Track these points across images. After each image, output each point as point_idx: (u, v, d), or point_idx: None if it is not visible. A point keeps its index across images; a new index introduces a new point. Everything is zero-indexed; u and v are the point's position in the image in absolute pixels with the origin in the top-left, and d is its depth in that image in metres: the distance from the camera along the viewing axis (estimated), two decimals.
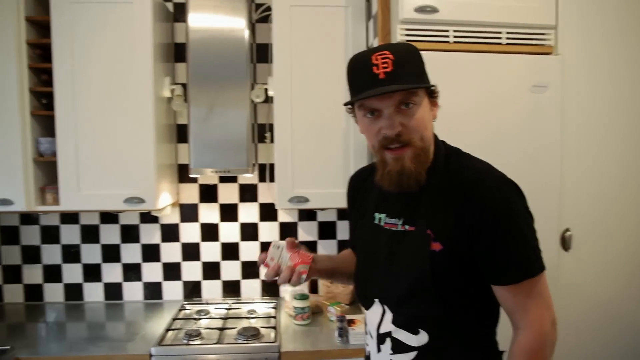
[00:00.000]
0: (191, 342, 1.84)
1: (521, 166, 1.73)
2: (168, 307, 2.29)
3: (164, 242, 2.38)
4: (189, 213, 2.38)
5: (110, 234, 2.36)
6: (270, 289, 2.42)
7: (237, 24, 2.03)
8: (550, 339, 1.03)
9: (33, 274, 2.35)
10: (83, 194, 1.99)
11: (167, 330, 1.96)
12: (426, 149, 1.05)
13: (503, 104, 1.75)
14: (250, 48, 2.12)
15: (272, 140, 2.22)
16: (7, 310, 2.28)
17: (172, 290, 2.39)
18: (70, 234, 2.35)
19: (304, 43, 2.01)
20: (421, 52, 1.06)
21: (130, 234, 2.36)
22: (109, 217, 2.35)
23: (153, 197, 1.99)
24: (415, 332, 1.06)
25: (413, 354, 1.07)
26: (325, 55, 2.02)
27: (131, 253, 2.37)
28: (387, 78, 0.98)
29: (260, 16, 2.33)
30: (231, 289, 2.41)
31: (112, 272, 2.37)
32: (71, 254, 2.35)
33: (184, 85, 2.20)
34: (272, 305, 2.29)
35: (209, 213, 2.38)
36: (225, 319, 2.11)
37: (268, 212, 2.40)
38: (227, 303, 2.31)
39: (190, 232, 2.38)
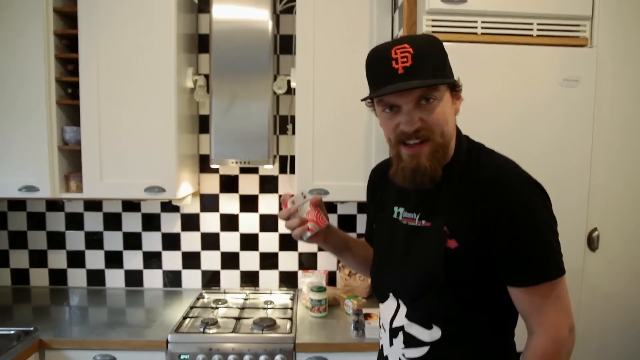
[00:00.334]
0: (207, 330, 1.85)
1: (549, 162, 1.68)
2: (187, 295, 2.32)
3: (184, 231, 2.40)
4: (209, 203, 2.39)
5: (131, 222, 2.39)
6: (289, 281, 2.42)
7: (260, 16, 2.01)
8: (567, 345, 0.99)
9: (58, 259, 2.41)
10: (105, 182, 2.01)
11: (185, 318, 1.98)
12: (445, 145, 1.02)
13: (532, 98, 1.69)
14: (274, 39, 2.10)
15: (293, 132, 2.21)
16: (32, 293, 2.34)
17: (191, 279, 2.42)
18: (93, 221, 2.39)
19: (327, 34, 1.98)
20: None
21: (151, 222, 2.39)
22: (130, 205, 2.38)
23: (173, 186, 2.01)
24: (429, 327, 1.05)
25: (425, 349, 1.05)
26: (350, 47, 1.99)
27: (152, 241, 2.40)
28: (406, 73, 0.95)
29: (284, 7, 2.31)
30: (249, 280, 2.42)
31: (133, 260, 2.41)
32: (94, 240, 2.40)
33: (206, 76, 2.20)
34: (289, 296, 2.29)
35: (229, 203, 2.39)
36: (242, 308, 2.12)
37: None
38: (244, 293, 2.32)
39: (210, 222, 2.40)
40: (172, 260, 2.41)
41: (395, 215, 1.15)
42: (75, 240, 2.40)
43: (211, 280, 2.42)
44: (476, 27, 1.70)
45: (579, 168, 1.72)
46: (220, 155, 2.04)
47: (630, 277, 1.81)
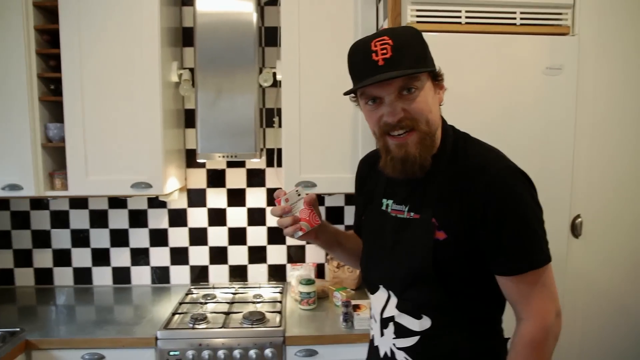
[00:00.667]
0: (196, 326, 1.84)
1: (533, 150, 1.70)
2: (175, 291, 2.30)
3: (171, 226, 2.38)
4: (196, 198, 2.38)
5: (118, 219, 2.37)
6: (277, 274, 2.42)
7: (245, 8, 2.00)
8: (554, 330, 1.00)
9: (43, 258, 2.38)
10: (91, 179, 1.99)
11: (174, 314, 1.97)
12: (432, 133, 1.02)
13: (515, 86, 1.70)
14: (259, 32, 2.09)
15: (280, 125, 2.20)
16: (18, 293, 2.31)
17: (180, 275, 2.40)
18: (79, 219, 2.36)
19: (312, 26, 1.98)
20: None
21: (138, 218, 2.37)
22: (117, 202, 2.36)
23: (160, 182, 1.99)
24: (418, 317, 1.06)
25: (415, 338, 1.06)
26: (335, 39, 1.98)
27: (139, 238, 2.38)
28: (386, 64, 0.95)
29: None
30: (238, 274, 2.41)
31: (120, 257, 2.38)
32: (80, 238, 2.37)
33: (191, 70, 2.18)
34: (278, 290, 2.29)
35: (216, 198, 2.38)
36: (231, 303, 2.11)
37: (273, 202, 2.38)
38: (233, 287, 2.32)
39: (197, 217, 2.39)
40: (160, 256, 2.39)
41: (384, 208, 1.15)
42: (61, 238, 2.37)
43: (200, 275, 2.41)
44: (460, 17, 1.71)
45: (562, 155, 1.74)
46: (206, 149, 2.03)
47: (613, 262, 1.85)
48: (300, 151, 2.00)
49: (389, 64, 0.95)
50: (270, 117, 2.34)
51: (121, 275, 2.39)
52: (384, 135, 1.03)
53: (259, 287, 2.33)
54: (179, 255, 2.40)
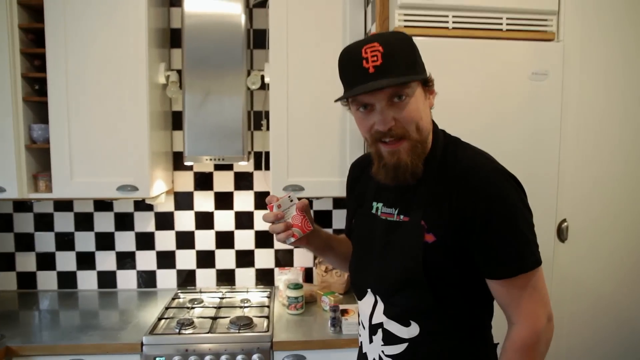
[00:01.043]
0: (183, 331, 1.82)
1: (519, 155, 1.71)
2: (162, 295, 2.28)
3: (158, 230, 2.36)
4: (183, 201, 2.36)
5: (104, 222, 2.34)
6: (265, 278, 2.41)
7: (233, 9, 1.99)
8: (545, 335, 1.01)
9: (26, 262, 2.34)
10: (76, 181, 1.96)
11: (160, 319, 1.95)
12: (423, 140, 1.03)
13: (501, 91, 1.72)
14: (247, 34, 2.08)
15: (267, 128, 2.19)
16: None
17: (166, 279, 2.38)
18: (64, 222, 2.33)
19: (301, 29, 1.97)
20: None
21: (124, 222, 2.34)
22: (103, 205, 2.33)
23: (147, 185, 1.97)
24: (407, 324, 1.05)
25: (404, 345, 1.06)
26: (323, 42, 1.98)
27: (125, 241, 2.35)
28: (376, 72, 0.95)
29: (257, 1, 2.29)
30: (225, 278, 2.39)
31: (106, 260, 2.35)
32: (65, 241, 2.33)
33: (179, 72, 2.16)
34: (266, 294, 2.27)
35: (203, 201, 2.36)
36: (218, 307, 2.09)
37: (263, 200, 2.32)
38: (221, 292, 2.30)
39: (185, 221, 2.36)
40: (146, 260, 2.36)
41: (374, 211, 1.15)
42: (45, 241, 2.33)
43: (187, 279, 2.38)
44: (447, 22, 1.72)
45: (548, 160, 1.75)
46: (194, 152, 2.01)
47: (598, 265, 1.86)
48: (288, 154, 1.99)
49: (380, 72, 0.95)
50: (258, 120, 2.33)
51: (107, 280, 2.36)
52: (376, 142, 1.03)
53: (247, 292, 2.32)
54: (166, 259, 2.37)
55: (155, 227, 2.35)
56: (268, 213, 1.12)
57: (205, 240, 2.37)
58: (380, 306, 1.09)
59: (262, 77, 2.12)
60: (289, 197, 1.13)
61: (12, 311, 2.11)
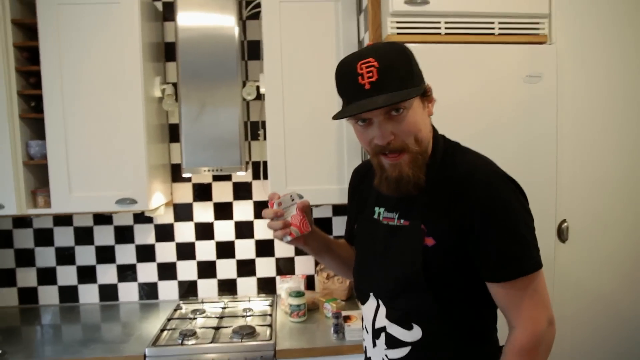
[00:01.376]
0: (185, 342, 1.82)
1: (517, 157, 1.72)
2: (164, 307, 2.28)
3: (158, 242, 2.36)
4: (183, 212, 2.36)
5: (104, 235, 2.34)
6: (267, 287, 2.41)
7: (226, 22, 2.00)
8: (546, 338, 1.00)
9: (27, 277, 2.34)
10: (74, 196, 1.97)
11: (162, 330, 1.94)
12: (423, 150, 1.03)
13: (497, 95, 1.73)
14: (241, 45, 2.09)
15: (265, 138, 2.20)
16: (1, 314, 2.26)
17: (168, 290, 2.38)
18: (64, 236, 2.33)
19: (294, 39, 1.99)
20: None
21: (124, 234, 2.35)
22: (102, 218, 2.33)
23: (145, 197, 1.98)
24: (409, 328, 1.06)
25: (407, 349, 1.06)
26: (317, 51, 1.99)
27: (126, 254, 2.35)
28: (372, 88, 0.95)
29: (250, 13, 2.30)
30: (227, 288, 2.40)
31: (107, 273, 2.35)
32: (65, 256, 2.34)
33: (174, 85, 2.18)
34: (268, 302, 2.28)
35: (203, 212, 2.37)
36: (221, 317, 2.09)
37: (263, 209, 2.37)
38: (222, 302, 2.30)
39: (184, 232, 2.37)
40: (147, 272, 2.37)
41: (376, 216, 1.16)
42: (45, 256, 2.33)
43: (188, 290, 2.39)
44: (440, 28, 1.73)
45: (546, 161, 1.76)
46: (191, 163, 2.02)
47: (599, 265, 1.87)
48: (285, 163, 2.00)
49: (375, 88, 0.95)
50: (255, 130, 2.34)
51: (108, 292, 2.36)
52: (377, 155, 1.03)
53: (249, 301, 2.32)
54: (167, 271, 2.37)
55: (155, 239, 2.36)
56: (268, 209, 1.14)
57: (205, 250, 2.38)
58: (383, 310, 1.09)
59: (258, 88, 2.13)
60: (291, 195, 1.14)
61: (13, 327, 2.11)
